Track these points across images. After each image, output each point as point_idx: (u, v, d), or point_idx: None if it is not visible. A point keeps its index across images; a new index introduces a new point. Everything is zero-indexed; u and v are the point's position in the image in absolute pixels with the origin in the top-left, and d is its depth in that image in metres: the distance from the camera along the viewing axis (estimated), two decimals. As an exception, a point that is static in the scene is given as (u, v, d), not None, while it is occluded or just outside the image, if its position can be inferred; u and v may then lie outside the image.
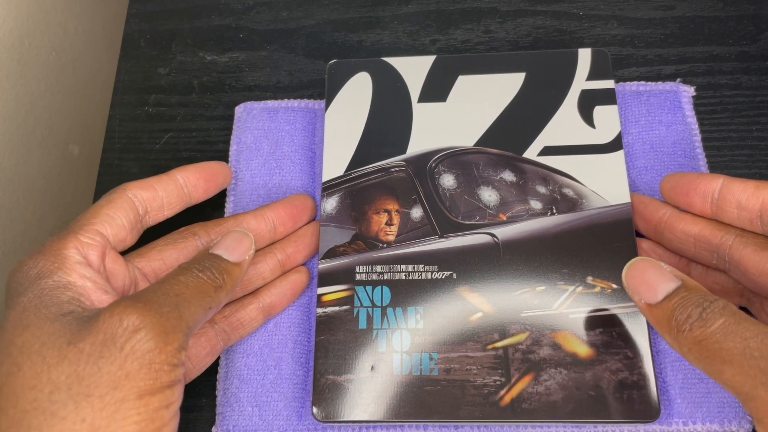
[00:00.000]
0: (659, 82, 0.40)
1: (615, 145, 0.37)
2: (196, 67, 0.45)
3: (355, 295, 0.35)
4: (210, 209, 0.40)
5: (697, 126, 0.39)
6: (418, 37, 0.44)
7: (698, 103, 0.41)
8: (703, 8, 0.43)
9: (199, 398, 0.36)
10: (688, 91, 0.40)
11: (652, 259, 0.30)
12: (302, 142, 0.40)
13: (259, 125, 0.40)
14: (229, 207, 0.39)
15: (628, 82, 0.40)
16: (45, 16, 0.46)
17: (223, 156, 0.42)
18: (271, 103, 0.41)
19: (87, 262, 0.29)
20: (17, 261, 0.29)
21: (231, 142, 0.41)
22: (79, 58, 0.50)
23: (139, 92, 0.44)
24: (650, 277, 0.29)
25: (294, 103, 0.41)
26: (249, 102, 0.42)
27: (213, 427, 0.35)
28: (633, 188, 0.37)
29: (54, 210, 0.48)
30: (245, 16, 0.46)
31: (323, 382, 0.33)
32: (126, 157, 0.43)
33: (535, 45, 0.43)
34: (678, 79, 0.41)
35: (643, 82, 0.40)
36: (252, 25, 0.46)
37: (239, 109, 0.41)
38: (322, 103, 0.41)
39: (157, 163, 0.42)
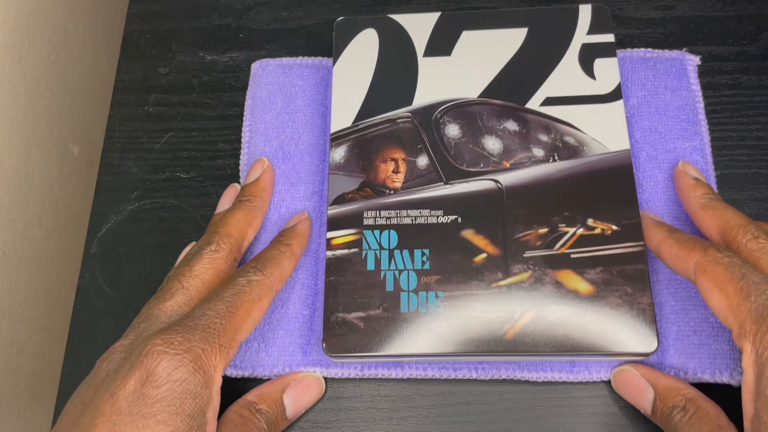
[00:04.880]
0: (665, 50, 0.41)
1: (615, 95, 0.38)
2: (196, 67, 0.45)
3: (363, 239, 0.36)
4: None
5: (700, 93, 0.39)
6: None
7: (698, 103, 0.41)
8: (702, 8, 0.44)
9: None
10: (693, 60, 0.41)
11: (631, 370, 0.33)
12: (314, 96, 0.41)
13: (273, 80, 0.42)
14: (243, 159, 0.40)
15: (635, 49, 0.41)
16: (45, 16, 0.46)
17: (223, 155, 0.42)
18: (285, 60, 0.42)
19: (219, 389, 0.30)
20: (146, 338, 0.29)
21: (246, 96, 0.42)
22: (79, 58, 0.50)
23: (139, 92, 0.44)
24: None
25: (307, 60, 0.42)
26: (265, 59, 0.43)
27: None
28: (637, 147, 0.38)
29: (54, 210, 0.48)
30: (245, 15, 0.46)
31: (333, 320, 0.34)
32: (126, 157, 0.43)
33: (538, -2, 0.44)
34: (684, 48, 0.41)
35: (650, 50, 0.41)
36: (252, 24, 0.46)
37: (255, 66, 0.43)
38: None
39: (157, 162, 0.42)
